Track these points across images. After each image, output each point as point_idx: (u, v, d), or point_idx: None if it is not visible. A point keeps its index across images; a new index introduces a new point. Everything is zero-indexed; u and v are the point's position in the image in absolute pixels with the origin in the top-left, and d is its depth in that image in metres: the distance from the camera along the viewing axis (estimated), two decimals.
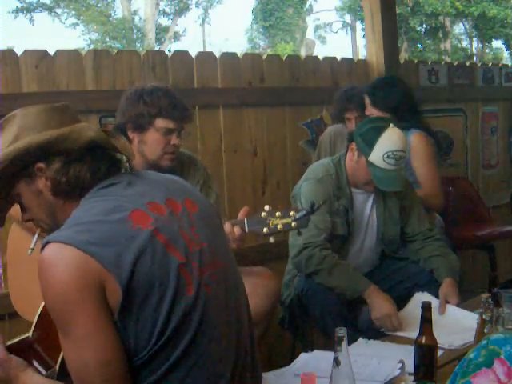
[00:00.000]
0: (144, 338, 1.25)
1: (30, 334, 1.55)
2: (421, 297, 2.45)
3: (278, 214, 1.83)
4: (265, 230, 1.83)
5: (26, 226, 2.20)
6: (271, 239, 1.85)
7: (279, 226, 1.82)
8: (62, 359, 1.39)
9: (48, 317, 1.29)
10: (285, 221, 1.83)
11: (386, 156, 2.50)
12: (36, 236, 1.82)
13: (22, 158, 1.33)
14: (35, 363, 1.49)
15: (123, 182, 1.38)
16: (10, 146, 1.33)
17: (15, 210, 2.23)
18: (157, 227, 1.30)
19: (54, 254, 1.24)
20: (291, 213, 1.83)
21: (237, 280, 1.50)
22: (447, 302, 2.48)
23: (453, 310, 2.45)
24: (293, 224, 1.83)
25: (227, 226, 1.87)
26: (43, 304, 1.50)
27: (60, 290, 1.21)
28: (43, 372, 1.47)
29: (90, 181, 1.36)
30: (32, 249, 1.87)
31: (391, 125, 2.55)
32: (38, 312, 1.54)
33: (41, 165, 1.35)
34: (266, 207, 1.85)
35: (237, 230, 1.89)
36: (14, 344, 1.53)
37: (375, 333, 2.39)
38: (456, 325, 2.32)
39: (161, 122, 2.24)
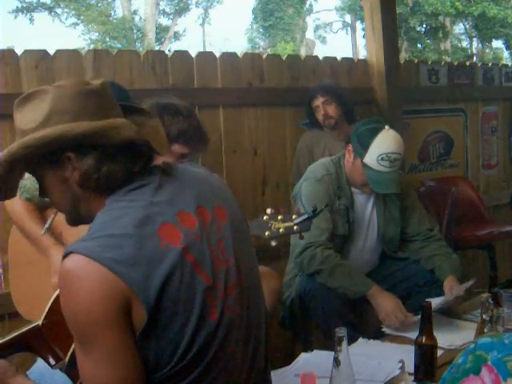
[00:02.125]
0: (165, 359, 1.22)
1: (40, 322, 1.52)
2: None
3: (279, 217, 1.83)
4: (267, 233, 1.83)
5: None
6: (273, 243, 1.85)
7: (281, 230, 1.83)
8: (72, 352, 1.38)
9: (59, 307, 1.24)
10: (287, 224, 1.83)
11: (380, 158, 2.49)
12: (52, 217, 1.79)
13: (52, 146, 1.25)
14: (44, 353, 1.48)
15: (153, 183, 1.31)
16: (41, 131, 1.25)
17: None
18: (186, 245, 1.25)
19: (81, 268, 1.17)
20: (293, 216, 1.84)
21: (260, 296, 1.47)
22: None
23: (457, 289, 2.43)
24: (295, 228, 1.83)
25: None
26: (56, 294, 1.46)
27: (84, 309, 1.16)
28: (52, 362, 1.47)
29: (121, 181, 1.30)
30: (47, 228, 1.86)
31: (386, 127, 2.54)
32: (50, 302, 1.52)
33: (70, 154, 1.27)
34: (268, 210, 1.85)
35: None
36: (23, 332, 1.51)
37: (375, 333, 2.39)
38: (456, 326, 2.31)
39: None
